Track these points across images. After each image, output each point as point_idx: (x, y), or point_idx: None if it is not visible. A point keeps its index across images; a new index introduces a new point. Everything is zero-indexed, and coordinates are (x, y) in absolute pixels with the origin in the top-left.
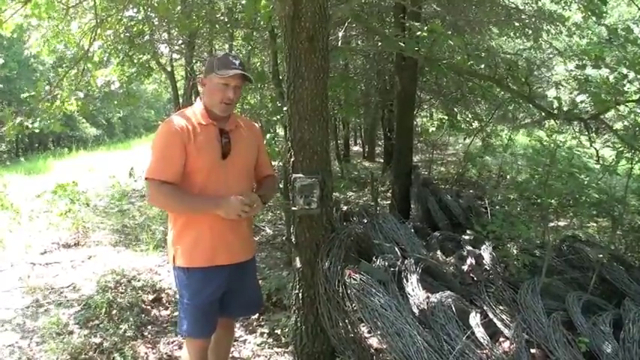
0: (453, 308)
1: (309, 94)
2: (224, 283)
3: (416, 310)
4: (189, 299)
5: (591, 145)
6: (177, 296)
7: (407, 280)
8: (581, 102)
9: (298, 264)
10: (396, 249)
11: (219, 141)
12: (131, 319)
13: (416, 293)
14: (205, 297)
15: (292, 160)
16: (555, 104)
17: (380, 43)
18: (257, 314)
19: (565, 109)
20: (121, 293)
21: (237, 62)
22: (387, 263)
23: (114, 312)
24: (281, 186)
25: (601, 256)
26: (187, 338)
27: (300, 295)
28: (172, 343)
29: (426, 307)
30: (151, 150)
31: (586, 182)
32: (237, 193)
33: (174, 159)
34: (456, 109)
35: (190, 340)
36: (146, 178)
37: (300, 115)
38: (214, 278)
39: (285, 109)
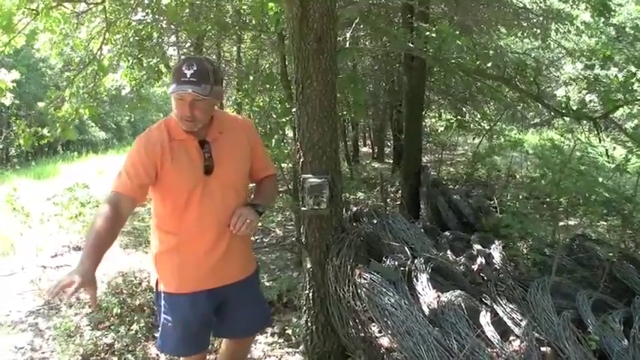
0: (463, 307)
1: (317, 95)
2: (215, 304)
3: (426, 309)
4: (174, 322)
5: (600, 144)
6: (159, 317)
7: (417, 280)
8: (590, 101)
9: (308, 264)
10: (406, 249)
11: (200, 156)
12: (142, 320)
13: (426, 292)
14: (193, 319)
15: (301, 160)
16: (564, 103)
17: (388, 44)
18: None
19: (574, 107)
20: (132, 295)
21: (189, 73)
22: (397, 263)
23: (125, 313)
24: (291, 187)
25: (611, 254)
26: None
27: (310, 295)
28: None
29: (436, 306)
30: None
31: (596, 181)
32: (224, 210)
33: (138, 175)
34: (464, 109)
35: (184, 358)
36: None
37: (308, 115)
38: (203, 301)
39: (294, 110)
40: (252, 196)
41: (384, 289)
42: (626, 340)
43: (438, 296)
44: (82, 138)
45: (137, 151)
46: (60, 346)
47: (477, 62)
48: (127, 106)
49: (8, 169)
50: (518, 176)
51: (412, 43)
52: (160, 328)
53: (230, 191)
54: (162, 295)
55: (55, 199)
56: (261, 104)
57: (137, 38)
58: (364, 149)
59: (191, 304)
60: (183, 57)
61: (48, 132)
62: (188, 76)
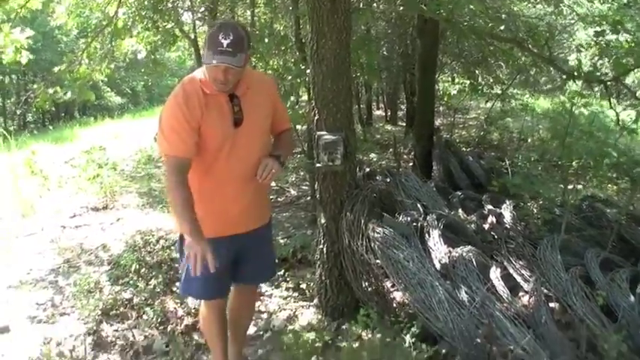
0: (474, 262)
1: (332, 54)
2: (235, 250)
3: (437, 264)
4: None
5: (611, 108)
6: (181, 262)
7: (429, 235)
8: (602, 65)
9: (323, 219)
10: (419, 206)
11: (230, 109)
12: (160, 276)
13: (437, 247)
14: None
15: (316, 118)
16: (576, 66)
17: (401, 6)
18: (282, 271)
19: (586, 71)
20: (150, 252)
21: (225, 43)
22: (409, 219)
23: (143, 270)
24: (305, 148)
25: (620, 215)
26: (202, 301)
27: (324, 249)
28: None
29: (447, 261)
30: (159, 124)
31: (605, 142)
32: (250, 161)
33: (188, 133)
34: (477, 73)
35: (206, 303)
36: (165, 155)
37: (323, 73)
38: (225, 246)
39: (308, 70)
40: (273, 148)
41: (397, 243)
42: (632, 297)
43: (449, 251)
44: (99, 103)
45: (180, 109)
46: (80, 302)
47: (490, 25)
48: (142, 70)
49: (26, 134)
50: (530, 139)
51: (425, 5)
52: (182, 275)
53: (256, 143)
54: (186, 240)
55: (72, 161)
56: (276, 67)
57: (152, 1)
58: (377, 112)
59: (214, 246)
60: (218, 23)
61: (64, 94)
62: (225, 45)
